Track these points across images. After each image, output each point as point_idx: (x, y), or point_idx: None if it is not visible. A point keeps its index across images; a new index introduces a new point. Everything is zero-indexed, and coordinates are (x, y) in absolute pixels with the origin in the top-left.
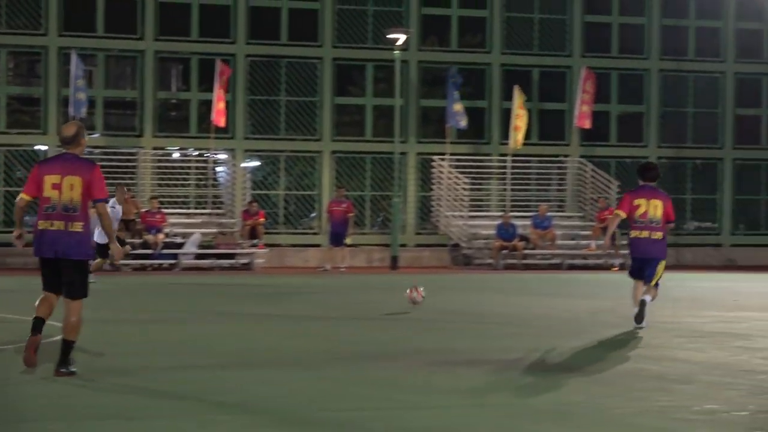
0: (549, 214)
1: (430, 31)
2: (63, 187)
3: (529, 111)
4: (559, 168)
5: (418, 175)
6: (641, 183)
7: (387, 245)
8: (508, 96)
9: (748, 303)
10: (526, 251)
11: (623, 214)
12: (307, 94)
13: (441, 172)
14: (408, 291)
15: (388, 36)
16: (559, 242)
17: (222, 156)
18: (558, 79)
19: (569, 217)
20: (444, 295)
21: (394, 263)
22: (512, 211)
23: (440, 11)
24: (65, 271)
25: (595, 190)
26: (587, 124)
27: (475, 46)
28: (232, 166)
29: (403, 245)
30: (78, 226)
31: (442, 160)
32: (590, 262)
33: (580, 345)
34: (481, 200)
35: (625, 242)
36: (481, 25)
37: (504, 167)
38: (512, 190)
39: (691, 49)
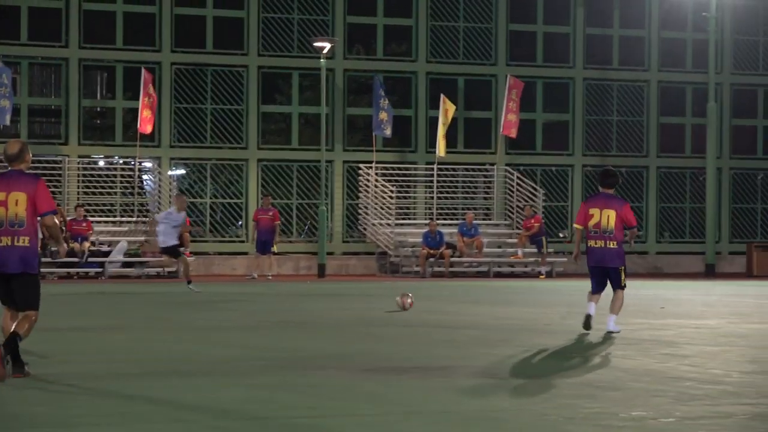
0: (475, 222)
1: (355, 39)
2: (8, 204)
3: (455, 119)
4: (486, 176)
5: (344, 183)
6: (600, 190)
7: (314, 253)
8: (434, 104)
9: (674, 310)
10: (453, 259)
11: (580, 227)
12: (233, 102)
13: (368, 180)
14: (399, 298)
15: (314, 44)
16: (486, 250)
17: (148, 164)
18: (484, 87)
19: (496, 225)
20: (371, 303)
21: (321, 271)
22: (439, 219)
23: (366, 20)
24: (15, 285)
25: (522, 198)
26: (513, 133)
27: (401, 54)
28: (158, 174)
29: (330, 253)
30: (24, 241)
31: (369, 168)
32: (517, 269)
33: (509, 352)
34: (408, 208)
35: (551, 250)
36: (406, 33)
37: (431, 175)
38: (439, 198)
39: (615, 58)
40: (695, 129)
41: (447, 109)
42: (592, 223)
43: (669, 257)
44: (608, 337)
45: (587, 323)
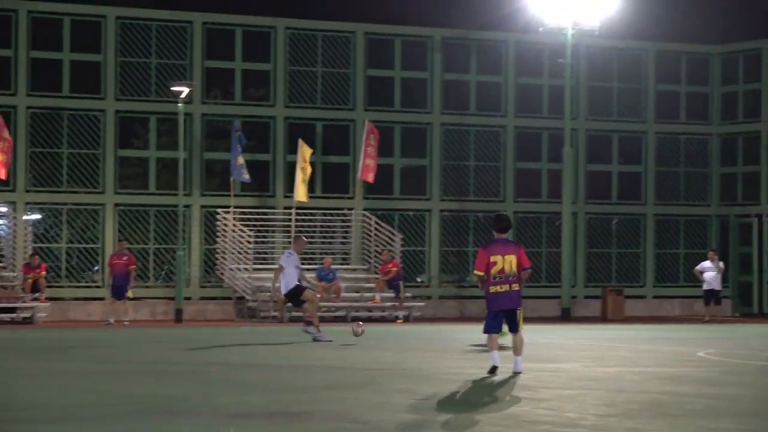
0: (334, 266)
1: (213, 83)
2: None
3: (313, 164)
4: (344, 221)
5: (202, 227)
6: (495, 235)
7: (171, 298)
8: (292, 149)
9: (530, 354)
10: None
11: (482, 273)
12: (89, 147)
13: (225, 225)
14: (351, 327)
15: (171, 88)
16: (344, 294)
17: (2, 209)
18: (342, 132)
19: (354, 270)
20: (230, 348)
21: (178, 316)
22: None
23: (224, 64)
24: None
25: (379, 242)
26: (371, 178)
27: (259, 99)
28: (13, 219)
29: (187, 298)
30: None
31: (227, 213)
32: (375, 314)
33: (366, 396)
34: (266, 253)
35: (409, 294)
36: (264, 78)
37: (289, 220)
38: None
39: (472, 104)
40: (551, 174)
41: (304, 154)
42: (495, 270)
43: (526, 301)
44: (483, 379)
45: (494, 370)
